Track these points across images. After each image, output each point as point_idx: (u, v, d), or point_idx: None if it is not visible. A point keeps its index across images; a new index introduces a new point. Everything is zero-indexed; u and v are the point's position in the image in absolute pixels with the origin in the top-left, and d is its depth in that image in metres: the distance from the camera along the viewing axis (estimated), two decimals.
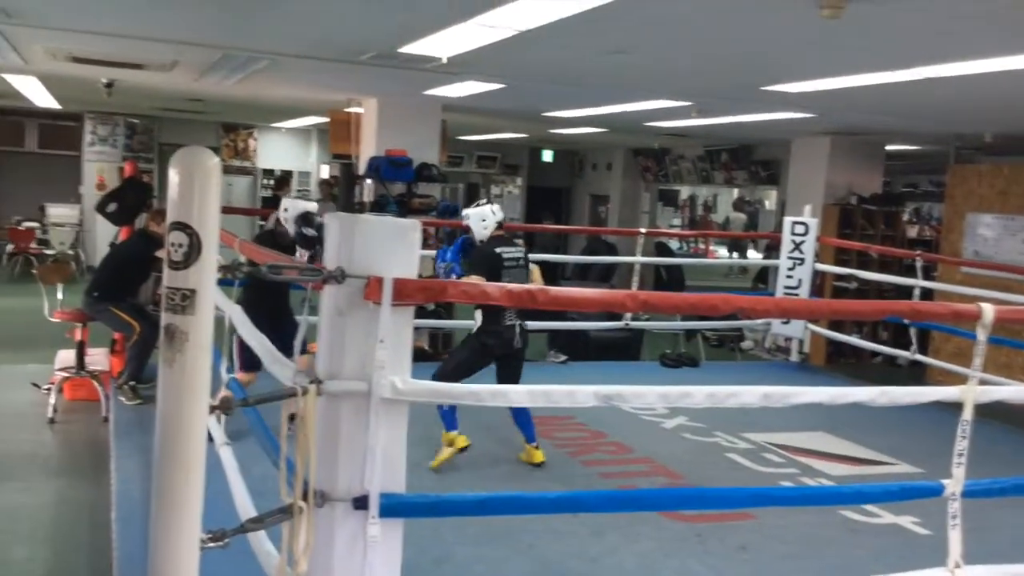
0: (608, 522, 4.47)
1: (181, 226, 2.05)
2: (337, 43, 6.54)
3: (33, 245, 14.64)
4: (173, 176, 2.07)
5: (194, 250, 2.05)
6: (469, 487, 5.04)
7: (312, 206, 6.03)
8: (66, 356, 7.41)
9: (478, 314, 5.30)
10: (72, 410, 7.00)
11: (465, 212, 5.66)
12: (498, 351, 5.37)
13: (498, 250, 5.38)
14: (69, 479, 5.66)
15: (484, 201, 5.80)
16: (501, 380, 5.37)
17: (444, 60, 6.54)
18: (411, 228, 2.51)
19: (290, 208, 5.99)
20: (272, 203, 14.24)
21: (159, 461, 2.10)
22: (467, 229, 5.56)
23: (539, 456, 5.47)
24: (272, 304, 5.67)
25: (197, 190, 2.06)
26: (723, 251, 24.17)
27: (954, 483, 3.01)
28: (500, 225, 5.50)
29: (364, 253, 2.42)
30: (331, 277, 2.40)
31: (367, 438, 2.44)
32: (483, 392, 2.57)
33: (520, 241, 8.20)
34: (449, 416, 5.35)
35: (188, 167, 2.07)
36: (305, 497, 2.37)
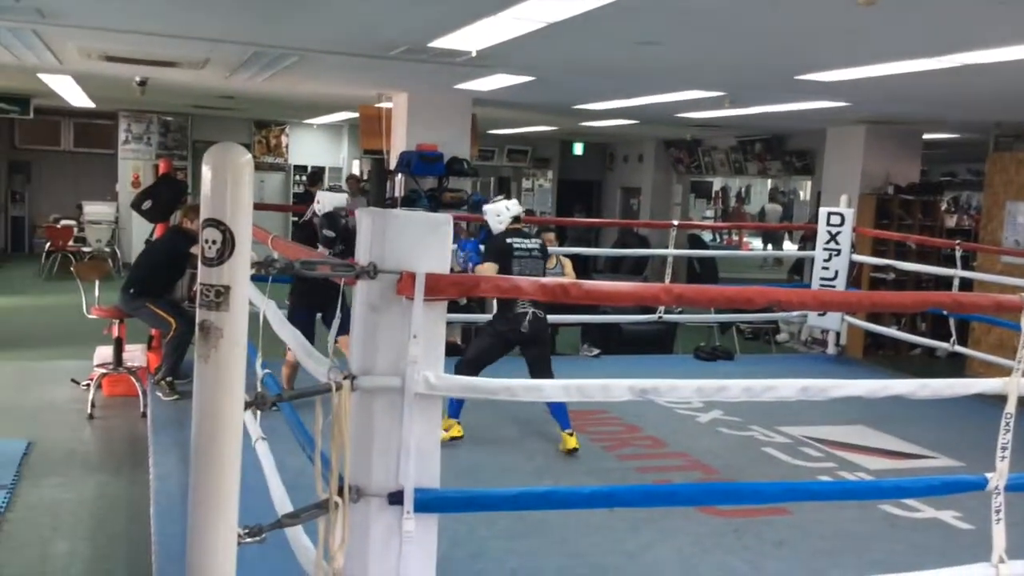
0: (643, 517, 4.45)
1: (214, 222, 2.05)
2: (368, 38, 6.55)
3: (71, 243, 14.84)
4: (206, 172, 2.07)
5: (227, 246, 2.05)
6: (503, 481, 5.04)
7: (342, 200, 6.21)
8: (104, 352, 7.50)
9: (495, 301, 5.58)
10: (110, 406, 7.09)
11: (485, 208, 5.99)
12: (511, 337, 5.63)
13: (508, 240, 5.69)
14: (108, 474, 5.73)
15: (501, 197, 6.22)
16: (530, 367, 5.63)
17: (474, 53, 6.53)
18: (443, 223, 2.49)
19: (322, 202, 6.18)
20: (304, 198, 14.30)
21: (195, 456, 2.11)
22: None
23: (572, 442, 5.60)
24: (322, 297, 5.91)
25: (230, 186, 2.06)
26: (757, 242, 23.95)
27: (998, 476, 2.95)
28: (517, 219, 5.81)
29: (396, 248, 2.41)
30: (363, 272, 2.40)
31: (401, 433, 2.44)
32: (517, 387, 2.55)
33: (549, 235, 8.34)
34: (455, 404, 5.59)
35: (220, 163, 2.07)
36: (340, 492, 2.37)
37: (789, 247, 20.75)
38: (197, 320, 2.08)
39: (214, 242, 2.05)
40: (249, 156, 2.12)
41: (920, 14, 4.69)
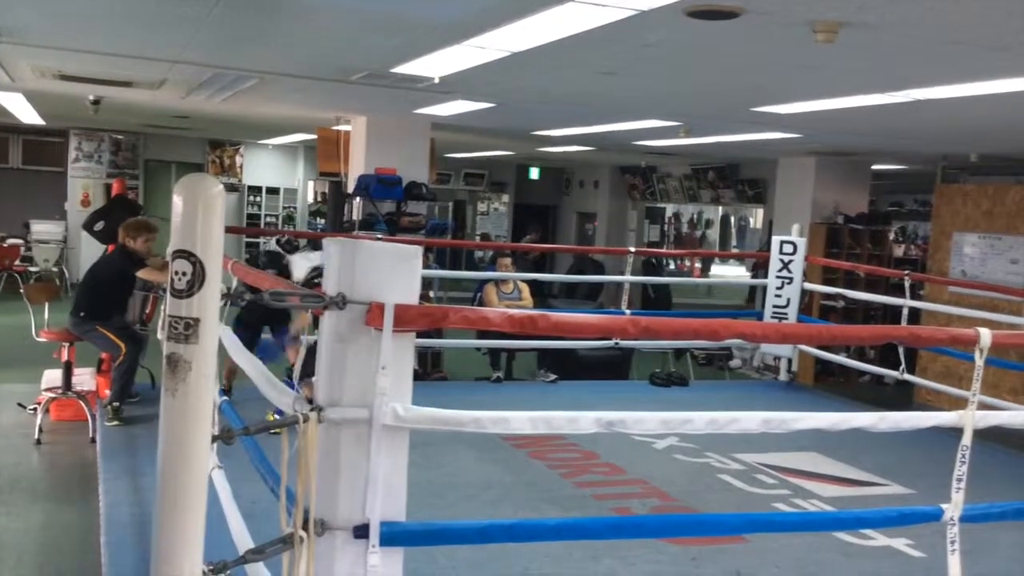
0: (603, 545, 4.44)
1: (184, 254, 2.02)
2: (329, 63, 6.54)
3: (17, 263, 14.53)
4: (176, 203, 2.05)
5: (197, 278, 2.03)
6: (461, 511, 5.01)
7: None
8: (52, 376, 7.33)
9: None
10: (58, 431, 6.93)
11: (291, 257, 6.81)
12: None
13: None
14: (56, 502, 5.59)
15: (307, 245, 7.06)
16: None
17: (436, 80, 6.55)
18: (413, 254, 2.49)
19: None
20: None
21: (161, 492, 2.07)
22: None
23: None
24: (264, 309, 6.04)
25: (201, 218, 2.04)
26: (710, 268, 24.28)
27: (953, 508, 3.01)
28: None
29: (365, 279, 2.40)
30: (332, 303, 2.38)
31: (368, 466, 2.42)
32: (485, 419, 2.55)
33: (506, 260, 8.48)
34: None
35: (192, 194, 2.05)
36: (305, 526, 2.35)
37: (738, 271, 21.13)
38: (164, 353, 2.05)
39: (184, 274, 2.03)
40: (221, 187, 2.11)
41: (874, 51, 4.81)
